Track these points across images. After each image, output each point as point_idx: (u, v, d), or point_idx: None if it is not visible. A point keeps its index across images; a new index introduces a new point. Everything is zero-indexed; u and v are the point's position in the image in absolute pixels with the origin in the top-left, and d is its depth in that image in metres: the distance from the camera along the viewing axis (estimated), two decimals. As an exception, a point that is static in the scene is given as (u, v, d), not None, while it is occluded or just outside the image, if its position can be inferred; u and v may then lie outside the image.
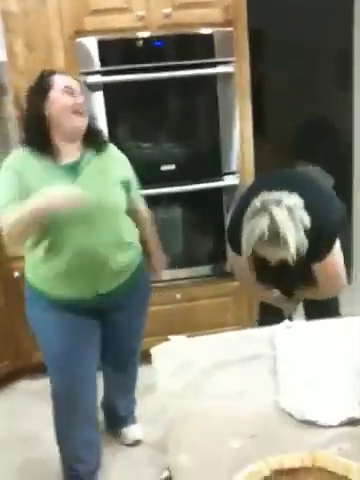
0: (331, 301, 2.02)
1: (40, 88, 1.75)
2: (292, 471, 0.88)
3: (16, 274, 2.56)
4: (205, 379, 1.19)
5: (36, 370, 2.72)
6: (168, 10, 2.51)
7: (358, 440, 0.98)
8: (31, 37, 2.54)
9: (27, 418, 2.47)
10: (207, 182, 2.69)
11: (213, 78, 2.59)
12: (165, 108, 2.68)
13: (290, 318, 1.82)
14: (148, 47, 2.52)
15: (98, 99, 2.50)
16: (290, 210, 1.53)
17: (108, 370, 2.16)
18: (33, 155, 1.73)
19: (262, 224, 1.51)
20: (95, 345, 1.92)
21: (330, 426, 1.02)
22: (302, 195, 1.60)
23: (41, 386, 2.68)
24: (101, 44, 2.47)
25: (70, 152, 1.77)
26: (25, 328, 2.65)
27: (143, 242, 1.98)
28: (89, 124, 1.80)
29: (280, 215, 1.51)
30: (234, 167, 2.72)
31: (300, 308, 2.10)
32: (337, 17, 3.55)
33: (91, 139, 1.82)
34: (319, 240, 1.58)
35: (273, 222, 1.50)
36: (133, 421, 2.31)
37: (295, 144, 3.78)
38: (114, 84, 2.50)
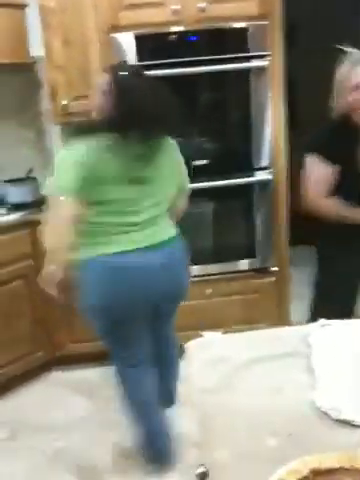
0: None
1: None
2: (330, 471, 0.87)
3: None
4: (240, 375, 1.19)
5: (69, 361, 2.78)
6: (203, 4, 2.50)
7: None
8: (68, 33, 2.58)
9: (60, 408, 2.53)
10: (239, 177, 2.69)
11: (247, 72, 2.58)
12: (198, 103, 2.68)
13: None
14: (182, 41, 2.53)
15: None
16: None
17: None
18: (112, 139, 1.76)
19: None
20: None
21: (367, 426, 1.01)
22: None
23: (74, 377, 2.75)
24: (137, 39, 2.49)
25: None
26: (59, 320, 2.73)
27: None
28: None
29: None
30: (266, 162, 2.70)
31: None
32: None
33: None
34: None
35: None
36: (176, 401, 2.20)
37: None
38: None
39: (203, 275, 2.79)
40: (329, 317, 1.40)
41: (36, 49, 2.69)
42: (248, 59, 2.56)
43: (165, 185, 1.88)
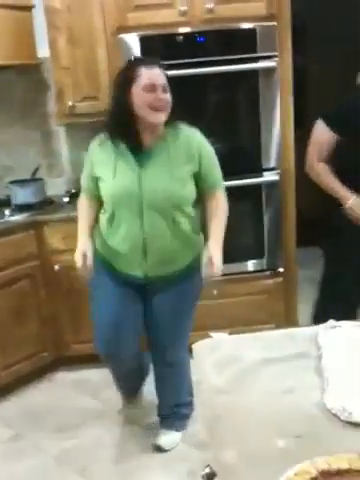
0: None
1: (125, 78, 1.82)
2: (339, 473, 0.86)
3: (56, 267, 2.61)
4: (249, 376, 1.18)
5: (74, 362, 2.77)
6: (211, 5, 2.49)
7: None
8: (74, 33, 2.58)
9: (64, 409, 2.52)
10: (247, 178, 2.67)
11: (255, 73, 2.57)
12: (206, 103, 2.67)
13: None
14: (190, 42, 2.52)
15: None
16: None
17: (151, 354, 2.17)
18: (112, 140, 1.86)
19: None
20: (138, 314, 2.04)
21: (377, 428, 1.00)
22: None
23: (79, 377, 2.75)
24: (143, 40, 2.48)
25: (150, 140, 1.85)
26: (65, 320, 2.73)
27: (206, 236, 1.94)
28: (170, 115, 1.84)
29: None
30: (274, 163, 2.69)
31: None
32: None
33: (167, 128, 1.87)
34: None
35: None
36: (168, 427, 2.22)
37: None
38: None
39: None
40: (333, 313, 1.40)
41: (43, 50, 2.69)
42: (256, 60, 2.54)
43: None
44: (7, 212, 2.72)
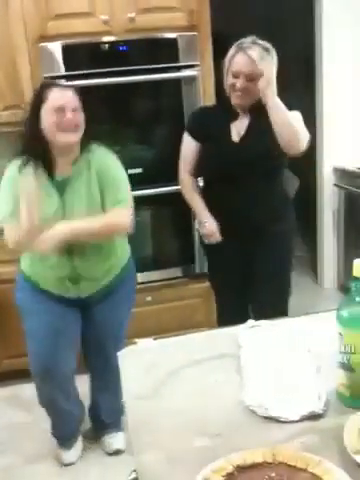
0: (280, 302, 2.22)
1: (35, 101, 1.78)
2: (255, 466, 0.90)
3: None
4: (172, 379, 1.20)
5: (5, 377, 2.70)
6: (132, 14, 2.52)
7: (319, 434, 1.01)
8: (-5, 41, 2.52)
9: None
10: (174, 185, 2.70)
11: (177, 82, 2.62)
12: (131, 112, 2.68)
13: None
14: (113, 51, 2.54)
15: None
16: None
17: (91, 366, 2.18)
18: (29, 166, 1.77)
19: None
20: (76, 328, 2.04)
21: (292, 421, 1.05)
22: None
23: (10, 393, 2.67)
24: (65, 49, 2.47)
25: (65, 165, 1.81)
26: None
27: None
28: (83, 137, 1.81)
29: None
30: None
31: None
32: (301, 21, 3.63)
33: (82, 152, 1.84)
34: None
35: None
36: (117, 428, 2.26)
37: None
38: (79, 88, 2.49)
39: (143, 282, 2.78)
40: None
41: None
42: (178, 69, 2.60)
43: None
44: None
